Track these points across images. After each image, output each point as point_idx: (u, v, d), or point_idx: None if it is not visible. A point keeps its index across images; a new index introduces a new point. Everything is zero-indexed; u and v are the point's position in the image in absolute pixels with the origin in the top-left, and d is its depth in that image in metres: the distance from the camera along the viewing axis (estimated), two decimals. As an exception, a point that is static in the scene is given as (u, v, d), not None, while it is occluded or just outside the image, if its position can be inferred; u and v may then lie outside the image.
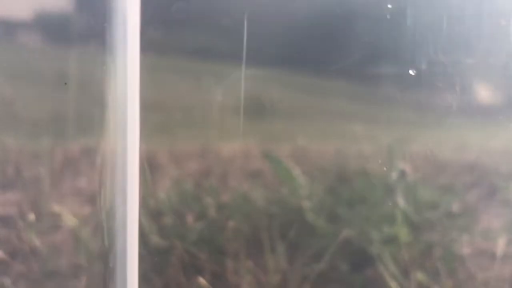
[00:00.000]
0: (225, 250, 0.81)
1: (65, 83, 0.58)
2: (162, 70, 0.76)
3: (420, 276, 0.80)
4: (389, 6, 0.73)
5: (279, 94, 0.93)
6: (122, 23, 0.51)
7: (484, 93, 0.89)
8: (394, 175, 0.82)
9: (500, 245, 0.88)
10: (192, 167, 1.05)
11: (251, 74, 0.82)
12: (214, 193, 1.00)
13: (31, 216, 0.74)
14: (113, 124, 0.50)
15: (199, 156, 1.10)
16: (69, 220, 0.77)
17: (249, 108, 0.86)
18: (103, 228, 0.52)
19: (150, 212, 0.92)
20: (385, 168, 0.90)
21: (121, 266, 0.47)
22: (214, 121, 0.80)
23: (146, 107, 0.62)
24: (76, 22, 0.58)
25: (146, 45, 0.59)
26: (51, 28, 0.61)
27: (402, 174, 0.81)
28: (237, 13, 0.77)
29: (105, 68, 0.53)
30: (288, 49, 0.82)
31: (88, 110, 0.61)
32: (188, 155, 1.09)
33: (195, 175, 1.12)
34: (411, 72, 0.74)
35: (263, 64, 0.87)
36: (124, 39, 0.50)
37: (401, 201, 0.88)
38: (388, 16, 0.80)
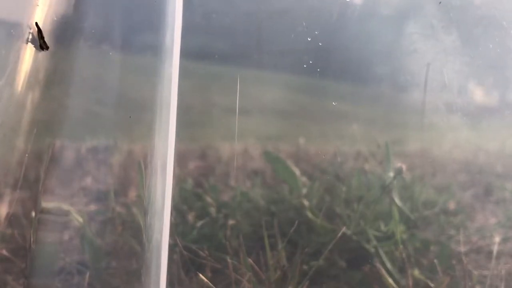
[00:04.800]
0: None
1: (130, 116, 0.61)
2: (198, 76, 0.79)
3: (416, 272, 0.81)
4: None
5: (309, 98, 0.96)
6: (170, 34, 0.54)
7: (479, 94, 0.90)
8: (391, 174, 0.84)
9: (496, 243, 0.89)
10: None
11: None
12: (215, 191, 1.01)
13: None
14: (158, 126, 0.53)
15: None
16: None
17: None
18: (143, 222, 0.54)
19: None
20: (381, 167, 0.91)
21: (156, 260, 0.49)
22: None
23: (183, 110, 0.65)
24: (129, 32, 0.61)
25: (185, 53, 0.61)
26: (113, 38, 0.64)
27: (399, 173, 0.82)
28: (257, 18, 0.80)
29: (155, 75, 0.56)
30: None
31: (139, 114, 0.63)
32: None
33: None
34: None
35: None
36: (170, 49, 0.53)
37: (397, 199, 0.89)
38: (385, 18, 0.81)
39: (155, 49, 0.58)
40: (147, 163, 0.60)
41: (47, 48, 0.63)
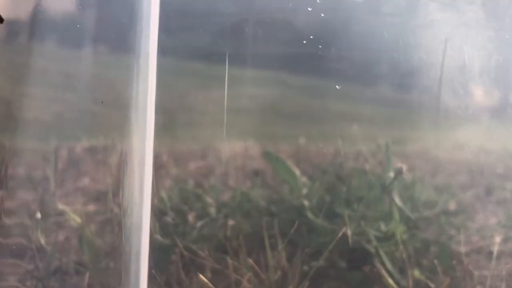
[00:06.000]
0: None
1: (102, 102, 0.60)
2: (177, 74, 0.78)
3: (416, 273, 0.81)
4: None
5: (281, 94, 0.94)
6: (145, 29, 0.53)
7: (481, 94, 0.89)
8: (391, 174, 0.83)
9: (496, 243, 0.89)
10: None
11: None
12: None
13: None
14: (134, 124, 0.52)
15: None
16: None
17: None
18: (120, 225, 0.53)
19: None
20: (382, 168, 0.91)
21: (135, 262, 0.47)
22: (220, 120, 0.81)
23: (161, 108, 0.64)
24: (102, 27, 0.60)
25: (163, 50, 0.61)
26: (79, 32, 0.63)
27: (399, 173, 0.82)
28: (244, 17, 0.79)
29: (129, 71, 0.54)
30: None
31: (113, 111, 0.62)
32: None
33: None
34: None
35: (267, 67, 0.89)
36: (145, 44, 0.52)
37: (398, 199, 0.89)
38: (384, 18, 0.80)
39: (129, 45, 0.56)
40: (124, 163, 0.60)
41: (1, 21, 0.61)
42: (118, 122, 0.62)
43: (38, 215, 0.72)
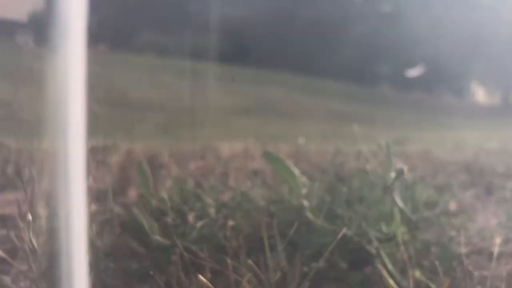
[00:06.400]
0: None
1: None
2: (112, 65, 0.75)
3: (417, 274, 0.80)
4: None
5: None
6: (64, 15, 0.46)
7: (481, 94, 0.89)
8: (392, 174, 0.83)
9: (497, 244, 0.89)
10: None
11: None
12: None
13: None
14: (53, 122, 0.46)
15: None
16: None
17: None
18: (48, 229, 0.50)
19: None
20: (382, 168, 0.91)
21: (67, 268, 0.45)
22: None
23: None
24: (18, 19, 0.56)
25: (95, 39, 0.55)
26: None
27: (400, 173, 0.82)
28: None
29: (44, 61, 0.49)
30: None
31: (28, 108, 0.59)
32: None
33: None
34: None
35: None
36: (65, 32, 0.45)
37: (398, 200, 0.88)
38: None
39: (49, 34, 0.49)
40: (42, 165, 0.56)
41: None
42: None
43: None
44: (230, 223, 0.93)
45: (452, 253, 0.88)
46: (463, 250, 0.85)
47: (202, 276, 0.73)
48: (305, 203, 0.93)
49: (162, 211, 0.95)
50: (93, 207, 0.88)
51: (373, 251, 0.81)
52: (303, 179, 1.00)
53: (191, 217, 0.94)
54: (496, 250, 0.86)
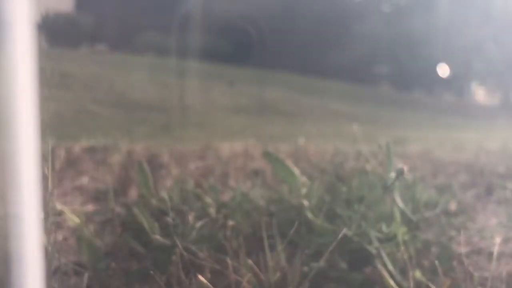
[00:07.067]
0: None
1: None
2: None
3: (417, 274, 0.80)
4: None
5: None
6: (8, 6, 0.43)
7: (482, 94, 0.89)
8: (392, 174, 0.83)
9: (497, 244, 0.89)
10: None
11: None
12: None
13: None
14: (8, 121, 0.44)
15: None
16: None
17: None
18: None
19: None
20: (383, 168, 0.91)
21: (18, 272, 0.44)
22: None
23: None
24: None
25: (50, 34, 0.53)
26: None
27: (400, 173, 0.82)
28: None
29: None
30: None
31: None
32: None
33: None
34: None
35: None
36: (10, 25, 0.42)
37: (399, 200, 0.88)
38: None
39: None
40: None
41: None
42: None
43: None
44: (230, 223, 0.93)
45: (452, 253, 0.88)
46: (463, 250, 0.85)
47: (202, 276, 0.73)
48: (305, 203, 0.93)
49: (162, 211, 0.95)
50: (92, 207, 0.88)
51: (373, 251, 0.81)
52: (303, 179, 1.00)
53: (191, 217, 0.94)
54: (496, 250, 0.85)
